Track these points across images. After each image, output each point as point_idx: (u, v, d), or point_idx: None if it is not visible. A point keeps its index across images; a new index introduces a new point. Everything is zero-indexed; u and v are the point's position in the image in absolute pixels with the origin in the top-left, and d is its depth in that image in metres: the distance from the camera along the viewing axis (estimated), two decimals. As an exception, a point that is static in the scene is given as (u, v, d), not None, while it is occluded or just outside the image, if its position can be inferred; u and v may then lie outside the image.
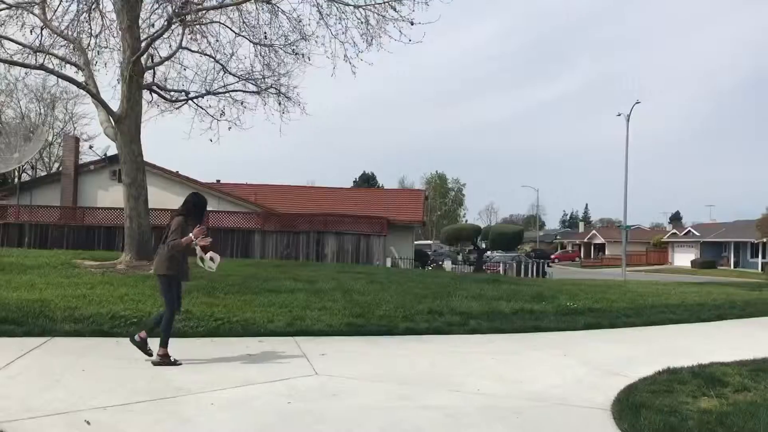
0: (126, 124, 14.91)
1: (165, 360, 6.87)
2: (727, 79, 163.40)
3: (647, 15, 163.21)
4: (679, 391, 6.27)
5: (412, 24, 15.05)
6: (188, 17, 14.91)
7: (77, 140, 33.65)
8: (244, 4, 16.11)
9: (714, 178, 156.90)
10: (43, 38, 16.01)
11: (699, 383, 6.58)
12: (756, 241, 53.75)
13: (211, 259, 7.20)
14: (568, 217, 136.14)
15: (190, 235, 6.93)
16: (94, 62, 16.86)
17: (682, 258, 65.65)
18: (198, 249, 7.10)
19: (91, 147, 40.94)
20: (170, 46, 17.15)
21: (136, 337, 7.05)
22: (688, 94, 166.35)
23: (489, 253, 52.19)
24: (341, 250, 27.70)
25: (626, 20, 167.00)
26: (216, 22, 17.15)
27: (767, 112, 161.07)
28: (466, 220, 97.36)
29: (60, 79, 16.11)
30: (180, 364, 6.89)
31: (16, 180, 34.77)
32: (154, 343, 7.03)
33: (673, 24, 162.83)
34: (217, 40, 17.51)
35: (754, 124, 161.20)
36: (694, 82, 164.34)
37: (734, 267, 57.42)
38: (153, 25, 16.80)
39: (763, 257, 53.35)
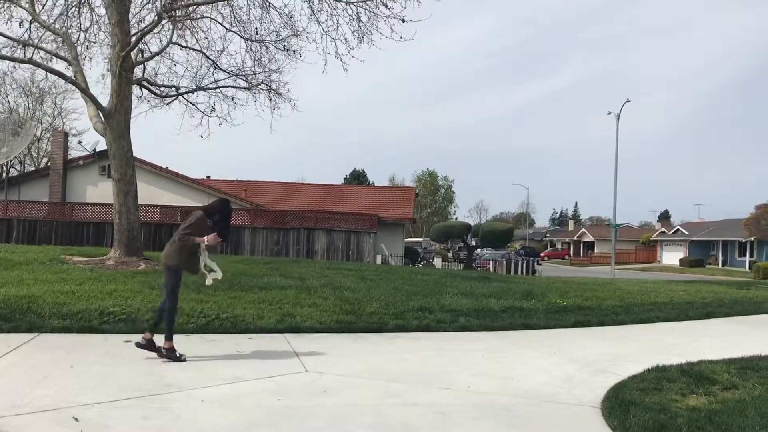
0: (115, 119, 14.81)
1: (171, 354, 6.89)
2: (716, 78, 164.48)
3: (638, 14, 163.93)
4: (668, 389, 6.31)
5: (403, 21, 15.02)
6: (178, 12, 14.83)
7: (66, 135, 33.44)
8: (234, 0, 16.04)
9: (702, 177, 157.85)
10: (31, 32, 15.89)
11: (688, 381, 6.62)
12: (744, 240, 54.12)
13: (212, 270, 7.34)
14: (557, 215, 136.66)
15: (205, 238, 7.03)
16: (84, 57, 16.75)
17: (671, 256, 65.98)
18: (203, 249, 7.19)
19: (80, 142, 40.72)
20: (160, 41, 17.08)
21: (142, 340, 7.01)
22: (677, 94, 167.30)
23: (479, 250, 52.32)
24: (331, 247, 27.68)
25: (616, 19, 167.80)
26: (206, 17, 17.07)
27: (756, 112, 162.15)
28: (457, 218, 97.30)
29: (49, 74, 15.98)
30: (185, 360, 6.91)
31: (4, 175, 34.48)
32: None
33: (663, 23, 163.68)
34: (206, 37, 17.44)
35: (743, 124, 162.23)
36: (683, 81, 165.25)
37: (722, 266, 57.79)
38: (143, 20, 16.73)
39: (751, 256, 53.69)
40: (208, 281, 7.51)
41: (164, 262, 7.18)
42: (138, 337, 7.21)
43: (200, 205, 7.58)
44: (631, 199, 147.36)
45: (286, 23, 16.67)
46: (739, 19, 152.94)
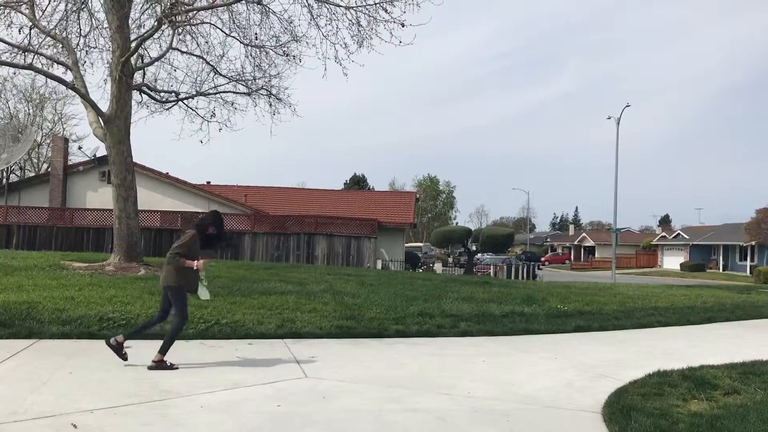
0: (115, 124, 14.82)
1: (161, 365, 6.77)
2: (716, 82, 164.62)
3: (637, 19, 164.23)
4: (669, 394, 6.28)
5: (403, 26, 15.01)
6: (178, 18, 14.84)
7: (66, 141, 33.45)
8: (234, 5, 16.05)
9: (703, 181, 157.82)
10: (31, 38, 15.90)
11: (689, 386, 6.60)
12: (744, 245, 54.04)
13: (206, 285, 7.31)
14: (558, 220, 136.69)
15: (195, 263, 6.91)
16: (83, 62, 16.76)
17: (672, 261, 65.88)
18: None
19: (80, 148, 40.82)
20: (160, 47, 17.09)
21: (112, 341, 6.88)
22: (678, 97, 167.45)
23: (479, 255, 52.24)
24: (332, 252, 27.66)
25: (616, 25, 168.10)
26: (206, 22, 17.09)
27: (756, 115, 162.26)
28: (457, 223, 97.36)
29: (49, 80, 15.99)
30: (176, 368, 6.82)
31: (4, 181, 34.52)
32: (141, 347, 6.97)
33: (662, 28, 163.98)
34: (207, 42, 17.46)
35: (743, 128, 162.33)
36: (684, 85, 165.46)
37: (723, 270, 57.69)
38: (143, 26, 16.75)
39: (752, 260, 53.61)
40: (205, 296, 7.40)
41: (163, 285, 7.05)
42: (137, 343, 7.19)
43: (200, 211, 7.51)
44: (632, 203, 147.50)
45: (286, 28, 16.71)
46: (739, 21, 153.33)
